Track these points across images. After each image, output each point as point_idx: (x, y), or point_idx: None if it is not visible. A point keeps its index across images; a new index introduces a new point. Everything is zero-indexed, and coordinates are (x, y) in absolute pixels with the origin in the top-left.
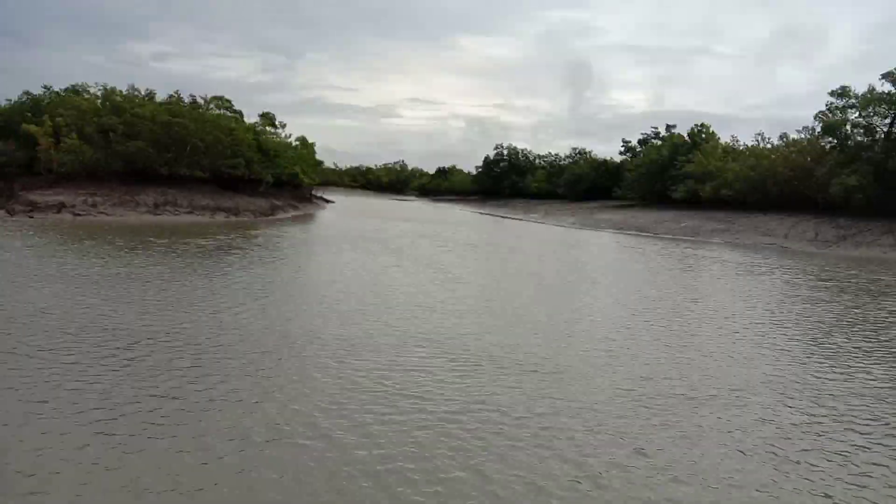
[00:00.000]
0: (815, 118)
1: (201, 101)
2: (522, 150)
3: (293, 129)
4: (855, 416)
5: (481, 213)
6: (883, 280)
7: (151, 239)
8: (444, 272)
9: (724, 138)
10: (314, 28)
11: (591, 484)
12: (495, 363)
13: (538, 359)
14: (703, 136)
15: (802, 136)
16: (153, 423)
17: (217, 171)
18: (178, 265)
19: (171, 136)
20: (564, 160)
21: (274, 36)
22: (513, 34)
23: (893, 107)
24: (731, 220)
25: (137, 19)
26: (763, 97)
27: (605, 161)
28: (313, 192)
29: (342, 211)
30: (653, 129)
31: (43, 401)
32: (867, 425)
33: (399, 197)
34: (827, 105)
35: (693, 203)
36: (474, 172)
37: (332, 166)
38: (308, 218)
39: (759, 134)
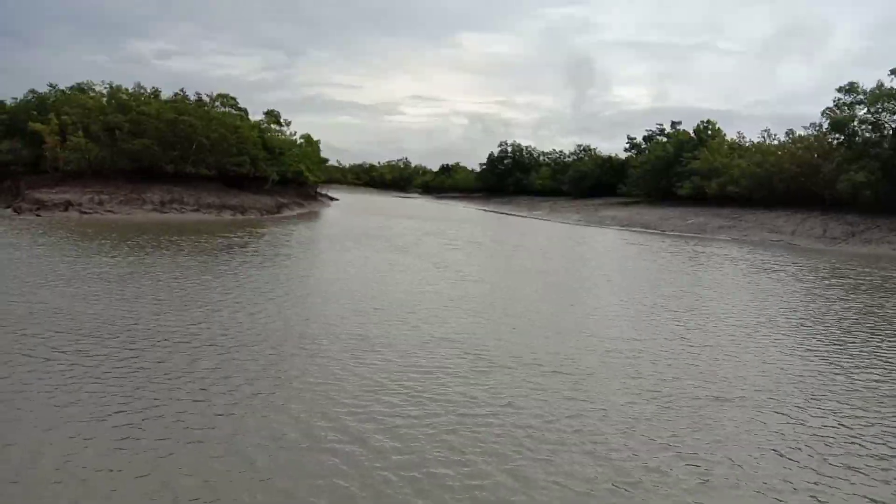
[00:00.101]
0: (822, 114)
1: (206, 99)
2: (526, 148)
3: (295, 126)
4: (888, 419)
5: (485, 211)
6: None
7: (160, 237)
8: (454, 270)
9: (727, 135)
10: (315, 26)
11: (634, 489)
12: (516, 364)
13: (559, 359)
14: (709, 132)
15: (809, 132)
16: (181, 428)
17: (223, 168)
18: (189, 264)
19: (177, 134)
20: (569, 157)
21: (275, 34)
22: (514, 31)
23: None
24: (737, 217)
25: (139, 18)
26: (765, 94)
27: (610, 158)
28: (318, 190)
29: (347, 209)
30: (658, 126)
31: (66, 405)
32: None
33: (402, 194)
34: (834, 101)
35: (699, 200)
36: (477, 170)
37: (336, 164)
38: (314, 216)
39: (764, 130)
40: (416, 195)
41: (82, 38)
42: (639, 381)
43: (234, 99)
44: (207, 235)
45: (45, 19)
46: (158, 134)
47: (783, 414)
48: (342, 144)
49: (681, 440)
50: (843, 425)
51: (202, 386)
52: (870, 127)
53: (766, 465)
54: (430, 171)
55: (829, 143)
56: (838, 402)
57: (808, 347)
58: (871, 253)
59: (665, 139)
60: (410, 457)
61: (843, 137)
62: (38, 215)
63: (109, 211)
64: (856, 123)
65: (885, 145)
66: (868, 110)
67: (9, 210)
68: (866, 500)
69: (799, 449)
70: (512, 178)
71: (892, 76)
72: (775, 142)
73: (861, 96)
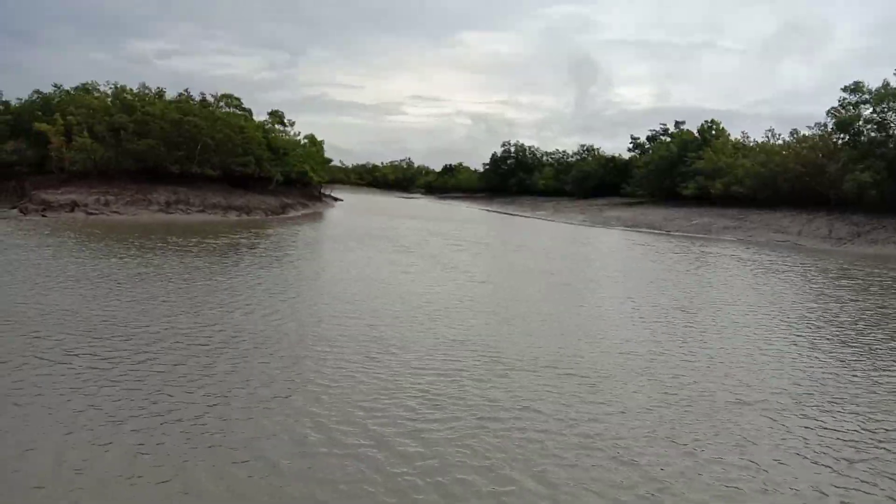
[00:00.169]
0: (827, 114)
1: (211, 99)
2: (529, 148)
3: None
4: None
5: (489, 211)
6: None
7: (167, 238)
8: (461, 271)
9: (730, 135)
10: (317, 25)
11: (661, 494)
12: (531, 366)
13: (574, 361)
14: (713, 132)
15: (813, 132)
16: (200, 432)
17: (228, 169)
18: (197, 265)
19: (182, 135)
20: (572, 157)
21: (276, 34)
22: (515, 30)
23: None
24: (742, 217)
25: (140, 18)
26: (766, 93)
27: (613, 158)
28: (322, 191)
29: (351, 209)
30: (661, 126)
31: (84, 408)
32: None
33: (405, 194)
34: (839, 101)
35: (703, 200)
36: (480, 170)
37: (339, 164)
38: (318, 216)
39: (768, 130)
40: (418, 195)
41: (84, 38)
42: (657, 383)
43: (238, 99)
44: (214, 236)
45: (46, 19)
46: (163, 134)
47: (806, 417)
48: (345, 145)
49: (704, 444)
50: (866, 429)
51: (220, 389)
52: (875, 126)
53: (793, 470)
54: (433, 172)
55: (834, 142)
56: (860, 404)
57: (826, 349)
58: (877, 253)
59: (668, 139)
60: (435, 461)
61: (848, 137)
62: (44, 216)
63: (115, 212)
64: (861, 123)
65: (891, 145)
66: (874, 110)
67: (15, 211)
68: None
69: (824, 453)
70: (515, 179)
71: None
72: (779, 141)
73: (866, 96)
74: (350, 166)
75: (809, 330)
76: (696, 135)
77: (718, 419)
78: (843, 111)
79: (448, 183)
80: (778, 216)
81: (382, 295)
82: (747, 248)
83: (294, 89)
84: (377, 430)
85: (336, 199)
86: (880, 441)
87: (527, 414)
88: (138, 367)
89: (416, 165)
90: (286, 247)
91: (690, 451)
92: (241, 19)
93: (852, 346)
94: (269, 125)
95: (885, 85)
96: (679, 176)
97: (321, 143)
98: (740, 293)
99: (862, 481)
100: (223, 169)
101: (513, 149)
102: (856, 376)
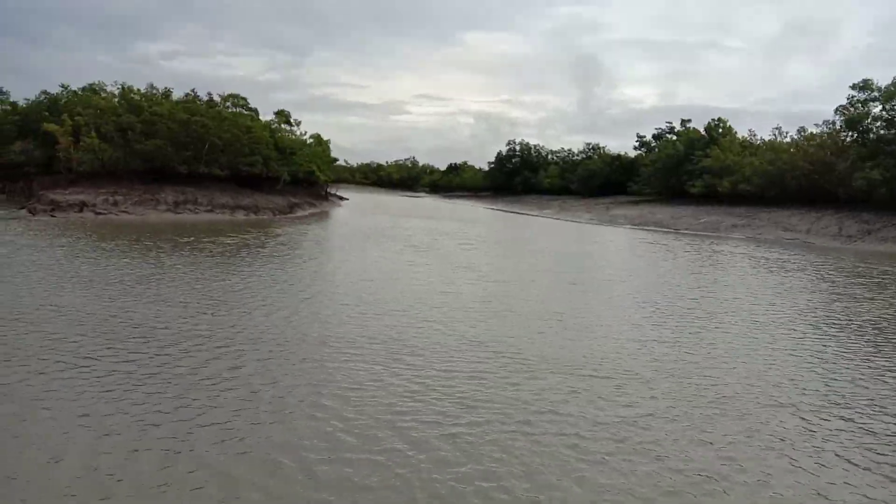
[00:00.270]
0: (835, 112)
1: (217, 99)
2: (535, 146)
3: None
4: None
5: (495, 210)
6: None
7: (177, 238)
8: (474, 271)
9: (738, 133)
10: (322, 26)
11: (710, 498)
12: (552, 367)
13: (597, 362)
14: (720, 130)
15: (821, 129)
16: (233, 437)
17: (235, 169)
18: (210, 265)
19: (190, 135)
20: (577, 156)
21: (282, 34)
22: (520, 30)
23: None
24: (751, 216)
25: (146, 19)
26: (772, 91)
27: (619, 156)
28: (328, 190)
29: (357, 208)
30: (667, 124)
31: (113, 412)
32: None
33: (410, 194)
34: (848, 98)
35: (710, 198)
36: (484, 168)
37: (344, 163)
38: (326, 215)
39: (776, 128)
40: (423, 194)
41: (89, 39)
42: (683, 384)
43: (244, 99)
44: (223, 236)
45: (52, 19)
46: (171, 134)
47: (840, 419)
48: (349, 144)
49: (737, 447)
50: None
51: (246, 392)
52: (884, 124)
53: (829, 472)
54: (438, 171)
55: (842, 140)
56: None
57: (852, 349)
58: (888, 251)
59: (675, 137)
60: (474, 466)
61: (857, 135)
62: (52, 216)
63: (124, 212)
64: (870, 120)
65: None
66: (883, 107)
67: (24, 211)
68: None
69: (861, 455)
70: (520, 177)
71: None
72: (787, 140)
73: (875, 93)
74: (355, 165)
75: (833, 330)
76: (703, 133)
77: (751, 420)
78: (851, 109)
79: (453, 182)
80: (786, 214)
81: (400, 295)
82: (758, 247)
83: (300, 90)
84: (413, 435)
85: (342, 199)
86: None
87: (557, 417)
88: (161, 369)
89: (420, 164)
90: (297, 246)
91: (726, 455)
92: (247, 20)
93: (879, 346)
94: (276, 125)
95: (895, 82)
96: (686, 174)
97: (327, 142)
98: (758, 292)
99: None
100: (231, 169)
101: (518, 147)
102: (887, 377)
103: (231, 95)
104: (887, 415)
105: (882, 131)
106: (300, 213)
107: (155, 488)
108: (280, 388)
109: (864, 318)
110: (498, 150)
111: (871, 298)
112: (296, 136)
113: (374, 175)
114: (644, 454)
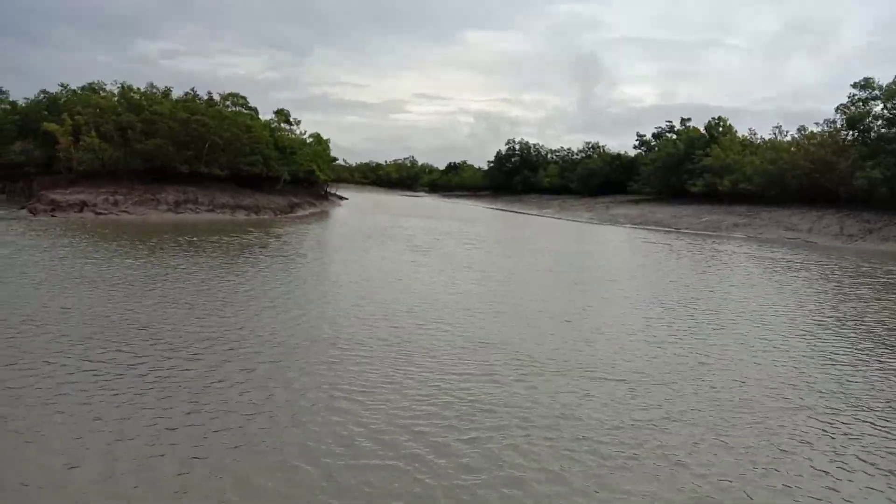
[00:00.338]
0: (836, 110)
1: (217, 99)
2: (534, 145)
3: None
4: None
5: (494, 209)
6: None
7: (179, 238)
8: (479, 271)
9: (738, 132)
10: (322, 25)
11: None
12: (564, 369)
13: (608, 364)
14: (721, 129)
15: (822, 128)
16: (250, 441)
17: (236, 168)
18: (214, 265)
19: (190, 134)
20: (577, 155)
21: (282, 33)
22: (520, 29)
23: None
24: (752, 215)
25: (146, 18)
26: (772, 90)
27: (619, 155)
28: (328, 189)
29: (357, 208)
30: (667, 123)
31: (129, 416)
32: None
33: (409, 193)
34: (849, 97)
35: (711, 197)
36: (483, 168)
37: (343, 163)
38: (326, 215)
39: (776, 127)
40: (422, 194)
41: (89, 39)
42: (696, 386)
43: (244, 98)
44: (225, 236)
45: (52, 19)
46: (171, 134)
47: (860, 421)
48: (348, 143)
49: (757, 450)
50: None
51: (261, 395)
52: (885, 123)
53: (853, 477)
54: (437, 170)
55: (843, 139)
56: None
57: (865, 349)
58: (889, 250)
59: (675, 136)
60: (498, 471)
61: (857, 134)
62: (53, 216)
63: (124, 211)
64: (871, 119)
65: None
66: (884, 106)
67: (24, 211)
68: None
69: (883, 458)
70: (520, 177)
71: None
72: (787, 139)
73: (877, 92)
74: (354, 165)
75: (844, 330)
76: (704, 132)
77: (770, 424)
78: (852, 108)
79: (452, 181)
80: (787, 213)
81: (406, 295)
82: (760, 246)
83: (299, 88)
84: (431, 438)
85: (342, 198)
86: None
87: (573, 420)
88: (172, 372)
89: (419, 164)
90: (300, 247)
91: (749, 458)
92: (247, 20)
93: (892, 347)
94: (276, 124)
95: None
96: (686, 173)
97: (327, 141)
98: (765, 292)
99: None
100: (231, 168)
101: (517, 147)
102: None
103: (231, 94)
104: None
105: (883, 130)
106: (301, 212)
107: (172, 495)
108: (294, 391)
109: (873, 318)
110: (497, 150)
111: (879, 299)
112: (296, 135)
113: (373, 174)
114: (664, 458)
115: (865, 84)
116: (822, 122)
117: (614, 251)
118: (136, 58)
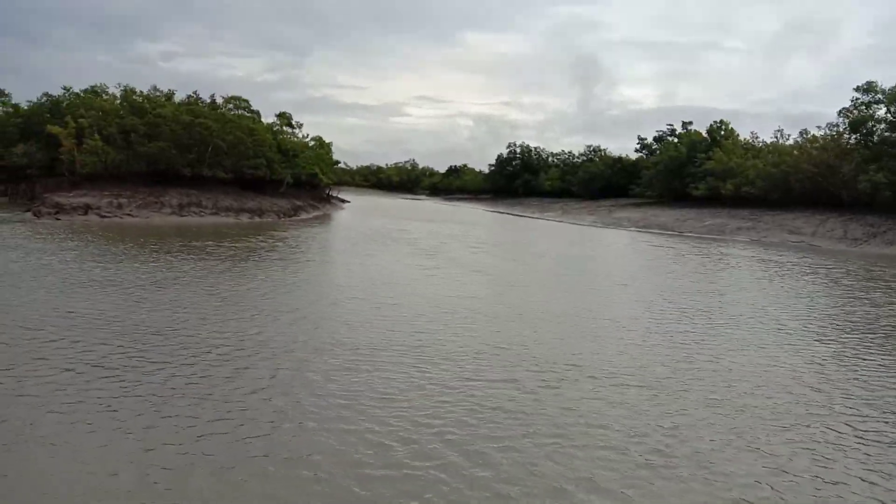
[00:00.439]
0: (839, 114)
1: (220, 101)
2: (535, 149)
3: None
4: None
5: (496, 213)
6: None
7: (186, 242)
8: (488, 275)
9: (739, 135)
10: (322, 26)
11: None
12: (585, 375)
13: (627, 370)
14: (723, 132)
15: (824, 132)
16: (284, 446)
17: (239, 171)
18: (223, 269)
19: (193, 137)
20: (578, 158)
21: (282, 34)
22: (520, 30)
23: None
24: (755, 218)
25: (146, 19)
26: (771, 92)
27: (621, 158)
28: (330, 192)
29: (359, 211)
30: (668, 126)
31: (152, 425)
32: None
33: (410, 196)
34: (852, 100)
35: (713, 200)
36: (484, 170)
37: (343, 166)
38: (329, 218)
39: (778, 130)
40: (423, 197)
41: (89, 39)
42: (718, 392)
43: (246, 101)
44: (231, 239)
45: (52, 19)
46: (174, 136)
47: (888, 424)
48: (348, 146)
49: (786, 457)
50: None
51: (288, 401)
52: (888, 126)
53: (887, 483)
54: (438, 173)
55: (846, 142)
56: None
57: (886, 352)
58: (894, 254)
59: (676, 139)
60: (539, 481)
61: (860, 137)
62: (57, 219)
63: (128, 214)
64: (873, 123)
65: None
66: (887, 109)
67: (28, 214)
68: None
69: None
70: (521, 180)
71: None
72: (789, 142)
73: (879, 95)
74: (354, 168)
75: (860, 334)
76: (705, 135)
77: (799, 430)
78: (855, 111)
79: (453, 184)
80: (791, 217)
81: (419, 300)
82: (766, 250)
83: (298, 90)
84: (462, 445)
85: (343, 201)
86: None
87: (601, 430)
88: (194, 378)
89: (420, 167)
90: (307, 250)
91: (777, 464)
92: (247, 20)
93: None
94: (278, 127)
95: None
96: (689, 177)
97: (329, 144)
98: (777, 297)
99: None
100: (235, 171)
101: (518, 150)
102: None
103: (233, 97)
104: None
105: (886, 134)
106: (304, 215)
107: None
108: (319, 397)
109: (888, 322)
110: (498, 153)
111: (891, 303)
112: (298, 138)
113: (373, 177)
114: (697, 465)
115: (868, 87)
116: (824, 125)
117: (622, 255)
118: (136, 58)
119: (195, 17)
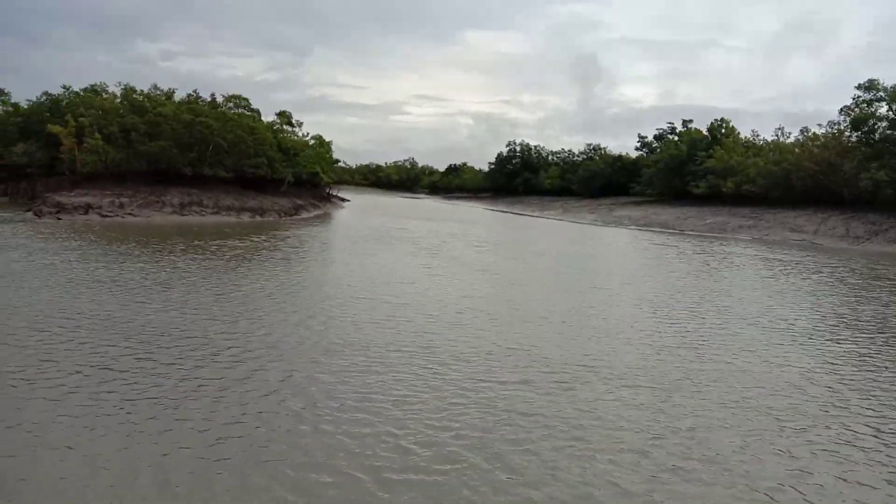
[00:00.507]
0: (840, 112)
1: (220, 100)
2: (535, 147)
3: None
4: None
5: (497, 211)
6: None
7: (186, 241)
8: (492, 274)
9: (740, 133)
10: (322, 26)
11: None
12: (597, 376)
13: (639, 370)
14: (723, 130)
15: (825, 130)
16: (304, 449)
17: (240, 170)
18: (228, 268)
19: (194, 136)
20: (578, 157)
21: (282, 34)
22: (520, 29)
23: None
24: (756, 216)
25: (146, 19)
26: (771, 90)
27: (621, 157)
28: (330, 191)
29: (360, 210)
30: (668, 124)
31: (167, 428)
32: None
33: (410, 195)
34: (853, 98)
35: (714, 199)
36: (483, 169)
37: (343, 164)
38: (330, 217)
39: (778, 129)
40: (423, 195)
41: (89, 39)
42: (733, 393)
43: (246, 100)
44: (232, 238)
45: (52, 19)
46: (175, 136)
47: None
48: (348, 145)
49: (807, 459)
50: None
51: (304, 402)
52: (890, 124)
53: None
54: (437, 172)
55: (847, 140)
56: None
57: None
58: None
59: (677, 138)
60: (562, 484)
61: (862, 135)
62: (58, 218)
63: (130, 214)
64: (875, 121)
65: None
66: (889, 107)
67: (29, 213)
68: None
69: None
70: (521, 178)
71: None
72: (790, 140)
73: (881, 93)
74: (354, 167)
75: (872, 333)
76: (706, 133)
77: (818, 430)
78: (857, 109)
79: (452, 183)
80: (792, 215)
81: (426, 299)
82: (769, 248)
83: (298, 90)
84: (482, 447)
85: (343, 200)
86: None
87: (617, 431)
88: (205, 381)
89: (419, 165)
90: (310, 250)
91: (798, 465)
92: (247, 20)
93: None
94: (278, 126)
95: None
96: (689, 175)
97: (329, 143)
98: (784, 296)
99: None
100: (236, 170)
101: (518, 148)
102: None
103: (233, 96)
104: None
105: (888, 131)
106: (305, 214)
107: None
108: (334, 398)
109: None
110: (498, 151)
111: None
112: (298, 137)
113: (373, 176)
114: (717, 466)
115: (870, 85)
116: (825, 123)
117: (623, 253)
118: (136, 58)
119: (195, 17)
